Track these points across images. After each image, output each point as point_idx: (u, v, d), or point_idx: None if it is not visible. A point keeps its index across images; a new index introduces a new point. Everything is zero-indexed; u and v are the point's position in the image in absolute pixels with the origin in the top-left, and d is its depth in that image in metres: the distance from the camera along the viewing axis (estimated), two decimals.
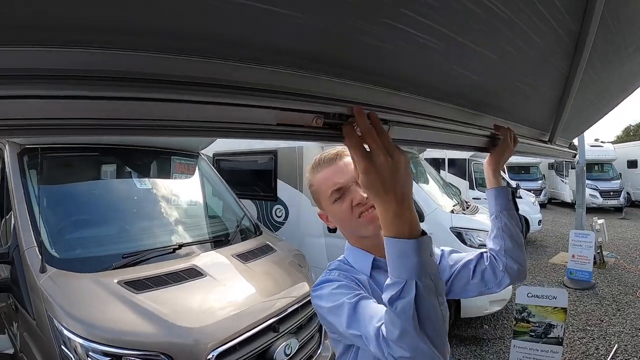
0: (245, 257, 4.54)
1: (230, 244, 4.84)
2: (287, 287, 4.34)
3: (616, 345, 6.76)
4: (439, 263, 2.00)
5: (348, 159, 1.77)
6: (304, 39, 0.96)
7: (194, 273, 3.98)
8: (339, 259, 1.95)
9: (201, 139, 5.61)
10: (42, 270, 3.47)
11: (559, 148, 3.70)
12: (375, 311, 1.38)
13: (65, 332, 3.10)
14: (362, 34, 1.02)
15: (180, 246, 4.40)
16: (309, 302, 4.21)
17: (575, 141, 5.51)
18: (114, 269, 3.78)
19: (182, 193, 5.63)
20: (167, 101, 0.82)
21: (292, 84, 1.03)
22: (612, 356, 6.45)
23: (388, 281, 1.17)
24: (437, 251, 2.06)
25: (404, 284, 1.12)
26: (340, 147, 1.84)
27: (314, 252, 7.55)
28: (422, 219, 6.79)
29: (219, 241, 4.91)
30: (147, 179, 5.31)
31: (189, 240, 4.70)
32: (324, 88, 1.10)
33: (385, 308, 1.21)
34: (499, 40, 1.48)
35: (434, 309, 1.13)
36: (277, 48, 0.94)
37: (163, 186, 5.41)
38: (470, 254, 2.02)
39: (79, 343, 3.06)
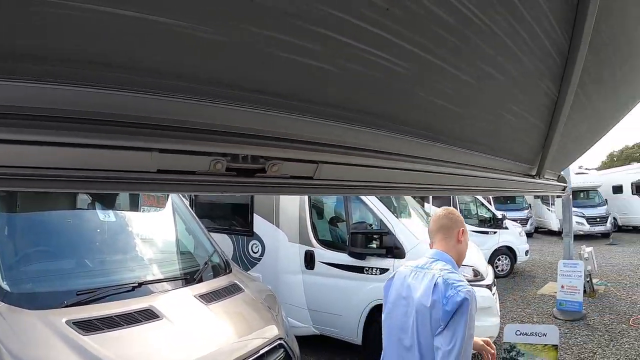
0: (208, 297, 4.22)
1: (195, 283, 4.51)
2: (250, 332, 4.04)
3: None
4: None
5: None
6: (193, 53, 0.66)
7: (149, 315, 3.68)
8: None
9: None
10: None
11: (547, 182, 3.44)
12: None
13: None
14: (280, 46, 0.72)
15: (140, 284, 4.08)
16: (274, 349, 3.95)
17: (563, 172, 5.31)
18: (65, 306, 3.51)
19: (149, 227, 5.30)
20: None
21: (177, 114, 0.71)
22: None
23: None
24: None
25: None
26: None
27: (292, 290, 7.35)
28: (402, 255, 6.56)
29: (183, 280, 4.57)
30: (111, 211, 4.98)
31: (151, 278, 4.37)
32: (226, 119, 0.78)
33: None
34: (476, 58, 1.19)
35: None
36: (152, 67, 0.64)
37: (129, 219, 5.09)
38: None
39: None
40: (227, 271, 5.12)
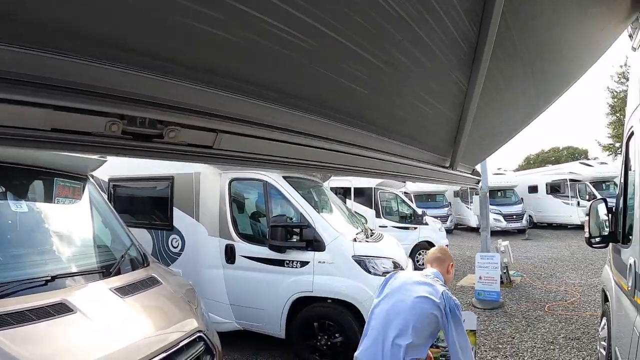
0: (125, 291, 4.05)
1: (111, 276, 4.33)
2: (168, 325, 3.92)
3: None
4: None
5: None
6: (92, 15, 0.64)
7: (62, 309, 3.49)
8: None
9: (88, 158, 5.12)
10: None
11: (461, 174, 3.54)
12: None
13: None
14: (181, 12, 0.71)
15: (54, 278, 3.84)
16: (193, 342, 3.87)
17: (479, 167, 5.50)
18: None
19: (64, 219, 5.03)
20: None
21: (74, 74, 0.69)
22: None
23: None
24: None
25: None
26: None
27: (213, 285, 7.23)
28: (322, 248, 6.62)
29: (99, 273, 4.39)
30: (24, 202, 4.72)
31: (65, 271, 4.14)
32: (126, 83, 0.75)
33: None
34: (385, 43, 1.21)
35: None
36: (51, 25, 0.61)
37: (42, 210, 4.80)
38: None
39: None
40: (145, 264, 4.96)
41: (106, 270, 4.44)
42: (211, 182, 7.53)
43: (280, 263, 6.81)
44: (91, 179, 5.63)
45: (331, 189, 10.94)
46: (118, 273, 4.45)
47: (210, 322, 4.84)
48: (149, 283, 4.43)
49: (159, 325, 3.85)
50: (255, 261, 6.98)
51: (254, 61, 0.98)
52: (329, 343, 6.52)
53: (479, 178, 4.38)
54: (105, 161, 6.29)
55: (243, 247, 7.11)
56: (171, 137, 0.88)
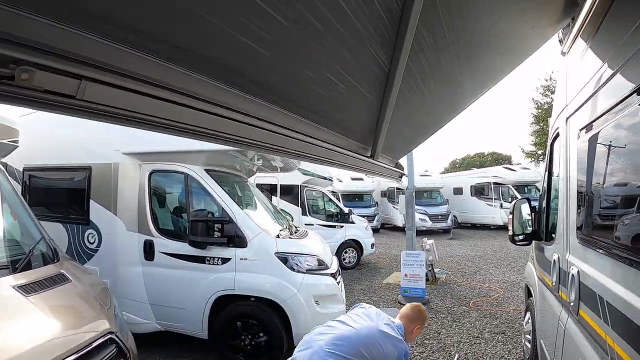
0: (29, 288, 3.72)
1: (17, 273, 4.01)
2: (75, 326, 3.62)
3: (457, 355, 7.01)
4: None
5: None
6: None
7: None
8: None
9: None
10: None
11: (383, 165, 3.50)
12: None
13: None
14: None
15: None
16: (104, 345, 3.63)
17: (404, 163, 5.52)
18: None
19: None
20: None
21: None
22: None
23: None
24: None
25: None
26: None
27: (131, 283, 6.84)
28: (244, 244, 6.45)
29: (5, 268, 4.04)
30: None
31: None
32: None
33: None
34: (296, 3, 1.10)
35: None
36: None
37: None
38: None
39: None
40: (55, 260, 4.63)
41: (11, 267, 4.11)
42: (130, 173, 7.13)
43: (201, 260, 6.55)
44: (0, 166, 5.25)
45: (257, 185, 10.71)
46: (27, 269, 4.11)
47: (125, 323, 4.55)
48: (57, 280, 4.10)
49: (65, 326, 3.53)
50: (175, 258, 6.68)
51: (133, 5, 0.84)
52: (253, 343, 6.34)
53: (402, 172, 4.37)
54: (17, 147, 5.91)
55: (162, 243, 6.78)
56: (24, 80, 0.73)
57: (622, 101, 2.37)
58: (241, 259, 6.39)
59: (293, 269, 6.41)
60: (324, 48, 1.44)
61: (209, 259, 6.52)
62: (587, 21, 3.03)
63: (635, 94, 2.17)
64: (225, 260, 6.45)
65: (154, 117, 1.04)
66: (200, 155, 6.85)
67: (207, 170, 6.93)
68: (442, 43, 2.27)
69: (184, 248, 6.60)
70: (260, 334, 6.32)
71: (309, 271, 6.55)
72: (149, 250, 6.79)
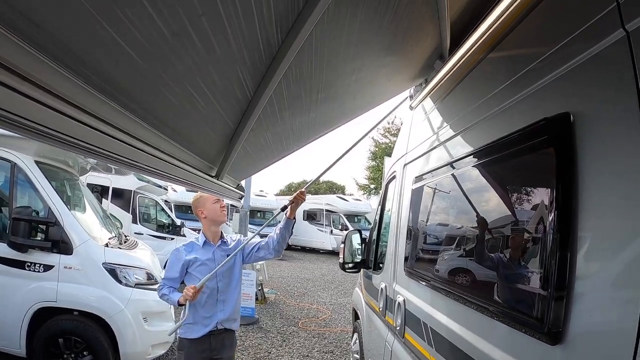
0: None
1: None
2: None
3: None
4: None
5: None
6: None
7: None
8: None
9: None
10: None
11: (226, 185, 3.50)
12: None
13: None
14: None
15: None
16: None
17: (243, 183, 5.52)
18: None
19: None
20: None
21: None
22: None
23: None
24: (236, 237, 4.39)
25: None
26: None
27: None
28: (69, 251, 5.79)
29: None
30: None
31: None
32: None
33: None
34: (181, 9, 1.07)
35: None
36: None
37: None
38: (262, 240, 4.22)
39: None
40: None
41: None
42: None
43: (20, 265, 5.68)
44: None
45: (88, 185, 9.76)
46: None
47: None
48: None
49: None
50: None
51: None
52: None
53: (242, 193, 4.40)
54: None
55: None
56: None
57: (443, 166, 2.88)
58: (65, 267, 5.72)
59: (121, 282, 5.95)
60: (194, 63, 1.41)
61: (29, 264, 5.70)
62: (437, 86, 3.35)
63: (449, 165, 2.73)
64: (47, 268, 5.72)
65: None
66: (32, 143, 5.74)
67: (37, 162, 6.01)
68: (307, 77, 2.33)
69: (3, 249, 5.66)
70: (85, 353, 5.78)
71: (138, 285, 6.14)
72: None
